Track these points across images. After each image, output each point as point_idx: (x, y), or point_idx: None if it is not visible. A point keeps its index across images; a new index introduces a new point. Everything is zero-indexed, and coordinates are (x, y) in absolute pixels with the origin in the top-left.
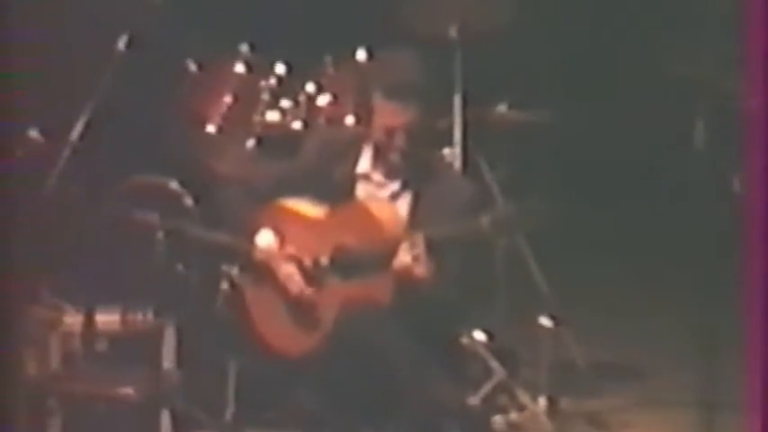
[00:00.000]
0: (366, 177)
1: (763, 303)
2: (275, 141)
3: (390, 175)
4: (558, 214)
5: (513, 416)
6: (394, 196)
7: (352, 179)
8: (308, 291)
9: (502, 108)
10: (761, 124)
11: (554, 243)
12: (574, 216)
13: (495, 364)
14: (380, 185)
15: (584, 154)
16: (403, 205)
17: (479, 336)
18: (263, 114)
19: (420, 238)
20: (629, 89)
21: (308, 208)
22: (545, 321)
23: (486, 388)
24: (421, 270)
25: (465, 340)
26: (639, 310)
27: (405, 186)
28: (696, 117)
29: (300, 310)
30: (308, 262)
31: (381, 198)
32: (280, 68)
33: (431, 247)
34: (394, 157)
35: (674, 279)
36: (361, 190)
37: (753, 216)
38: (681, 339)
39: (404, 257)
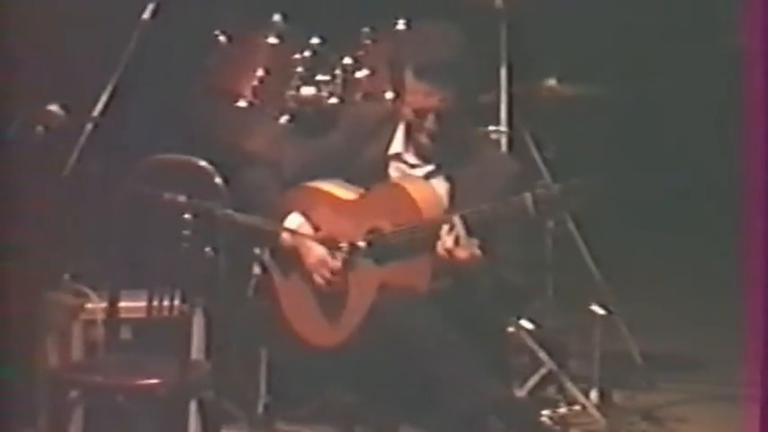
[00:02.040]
0: (399, 158)
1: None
2: (309, 117)
3: (424, 155)
4: (610, 194)
5: (563, 410)
6: (428, 176)
7: (385, 160)
8: (337, 278)
9: (551, 82)
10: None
11: (606, 226)
12: (627, 197)
13: (543, 354)
14: (413, 167)
15: (638, 130)
16: (440, 186)
17: (526, 324)
18: (297, 89)
19: (458, 220)
20: (683, 62)
21: (340, 190)
22: (597, 309)
23: (534, 380)
24: (462, 253)
25: (511, 329)
26: (697, 298)
27: (440, 167)
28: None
29: (331, 299)
30: (340, 246)
31: (417, 178)
32: (314, 40)
33: (473, 229)
34: (424, 139)
35: (734, 266)
36: (394, 170)
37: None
38: (741, 331)
39: (446, 240)
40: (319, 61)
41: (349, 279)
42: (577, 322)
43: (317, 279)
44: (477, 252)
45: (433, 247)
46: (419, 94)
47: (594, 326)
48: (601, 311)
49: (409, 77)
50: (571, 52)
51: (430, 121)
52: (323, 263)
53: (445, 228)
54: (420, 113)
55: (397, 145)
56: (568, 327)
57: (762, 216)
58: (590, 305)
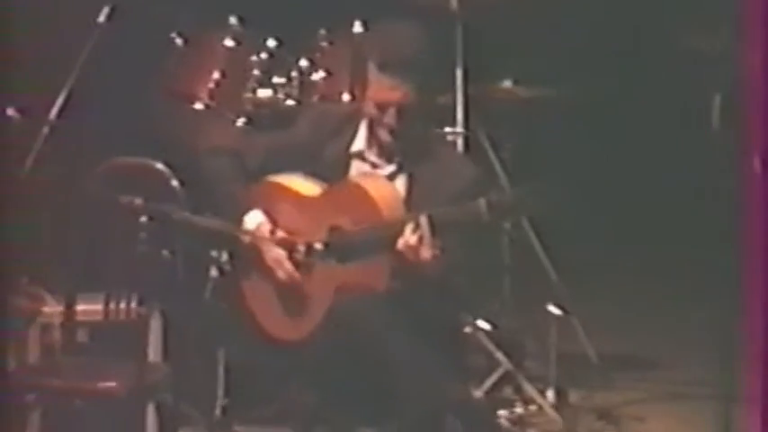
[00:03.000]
0: (361, 156)
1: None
2: (266, 120)
3: (386, 154)
4: (566, 197)
5: (520, 410)
6: (391, 176)
7: (347, 158)
8: (298, 276)
9: (506, 83)
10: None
11: (562, 228)
12: (583, 199)
13: (499, 355)
14: (375, 165)
15: (595, 132)
16: (401, 185)
17: (483, 325)
18: (253, 91)
19: (425, 219)
20: (641, 63)
21: (302, 186)
22: (553, 310)
23: (491, 380)
24: (427, 252)
25: (468, 330)
26: (652, 299)
27: (401, 166)
28: (712, 93)
29: (292, 297)
30: (300, 245)
31: (378, 177)
32: (271, 43)
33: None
34: (385, 135)
35: (689, 266)
36: (356, 170)
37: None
38: (696, 330)
39: (407, 239)
40: (276, 63)
41: (309, 278)
42: (534, 323)
43: (278, 277)
44: (439, 252)
45: (394, 246)
46: (382, 87)
47: (551, 326)
48: (557, 312)
49: (372, 71)
50: (527, 54)
51: (390, 116)
52: (281, 262)
53: (409, 227)
54: (382, 108)
55: (359, 143)
56: (525, 327)
57: (727, 216)
58: (546, 306)
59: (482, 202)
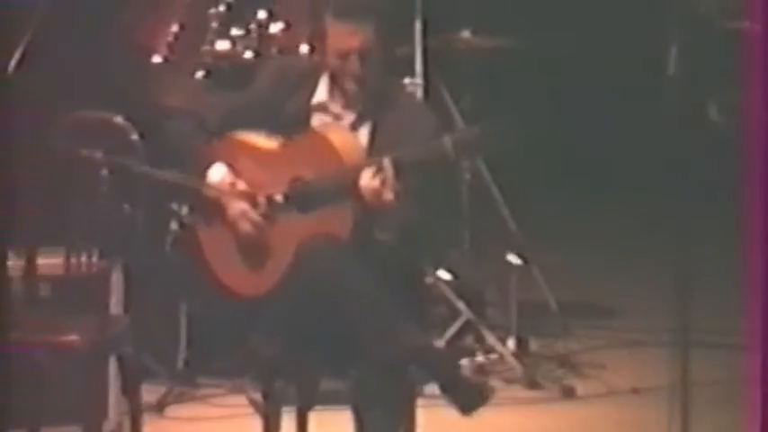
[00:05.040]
0: (323, 108)
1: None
2: (225, 72)
3: (348, 104)
4: (524, 138)
5: (481, 358)
6: (353, 126)
7: (308, 110)
8: (261, 228)
9: (465, 34)
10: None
11: (521, 177)
12: (541, 147)
13: (461, 304)
14: (338, 116)
15: (552, 81)
16: (363, 135)
17: (444, 275)
18: (212, 44)
19: (388, 162)
20: (597, 11)
21: (262, 140)
22: (513, 259)
23: (453, 330)
24: (388, 195)
25: (429, 280)
26: (612, 247)
27: (363, 116)
28: (669, 41)
29: (254, 249)
30: (262, 197)
31: (338, 127)
32: None
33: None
34: (349, 84)
35: (646, 213)
36: (318, 121)
37: (751, 147)
38: (654, 278)
39: (369, 182)
40: (234, 15)
41: (271, 229)
42: (494, 272)
43: (239, 229)
44: (401, 195)
45: (356, 192)
46: (341, 35)
47: (511, 276)
48: (517, 261)
49: (329, 20)
50: (485, 4)
51: (353, 63)
52: (244, 214)
53: (369, 171)
54: (343, 55)
55: (320, 94)
56: (485, 277)
57: (681, 158)
58: (506, 256)
59: (447, 140)
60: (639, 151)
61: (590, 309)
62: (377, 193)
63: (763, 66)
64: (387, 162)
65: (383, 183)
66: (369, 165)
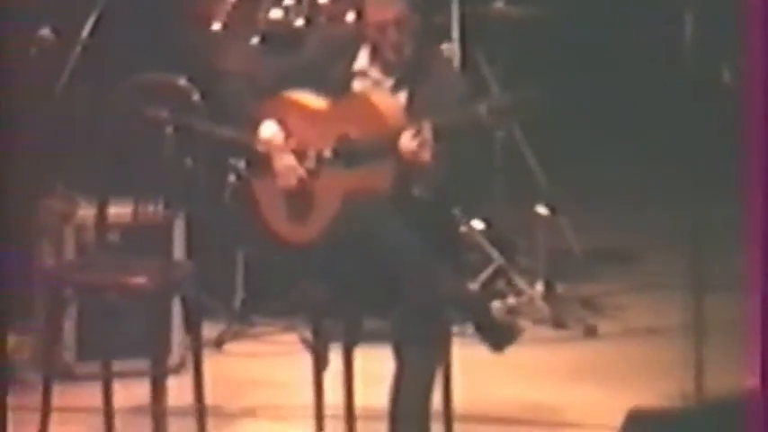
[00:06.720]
0: (363, 74)
1: (764, 191)
2: (278, 39)
3: (387, 71)
4: (555, 104)
5: (512, 300)
6: (393, 90)
7: (350, 76)
8: (306, 181)
9: (499, 3)
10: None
11: (551, 134)
12: (571, 107)
13: (493, 251)
14: (377, 82)
15: (581, 48)
16: (402, 98)
17: (478, 224)
18: (266, 12)
19: (427, 124)
20: None
21: (311, 99)
22: (542, 210)
23: (485, 274)
24: (427, 155)
25: (464, 229)
26: (634, 198)
27: (401, 83)
28: (685, 8)
29: (301, 201)
30: (310, 153)
31: (381, 90)
32: None
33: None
34: (388, 53)
35: (668, 168)
36: (359, 86)
37: (752, 106)
38: (674, 226)
39: (408, 143)
40: None
41: (317, 183)
42: (524, 222)
43: (287, 182)
44: (437, 156)
45: (397, 151)
46: (379, 6)
47: (540, 225)
48: (545, 212)
49: None
50: None
51: (392, 34)
52: (293, 168)
53: (408, 133)
54: (381, 27)
55: (362, 61)
56: (516, 226)
57: (700, 119)
58: (535, 207)
59: (482, 106)
60: (660, 111)
61: (611, 255)
62: (415, 154)
63: (764, 27)
64: (426, 125)
65: (421, 144)
66: (408, 127)
